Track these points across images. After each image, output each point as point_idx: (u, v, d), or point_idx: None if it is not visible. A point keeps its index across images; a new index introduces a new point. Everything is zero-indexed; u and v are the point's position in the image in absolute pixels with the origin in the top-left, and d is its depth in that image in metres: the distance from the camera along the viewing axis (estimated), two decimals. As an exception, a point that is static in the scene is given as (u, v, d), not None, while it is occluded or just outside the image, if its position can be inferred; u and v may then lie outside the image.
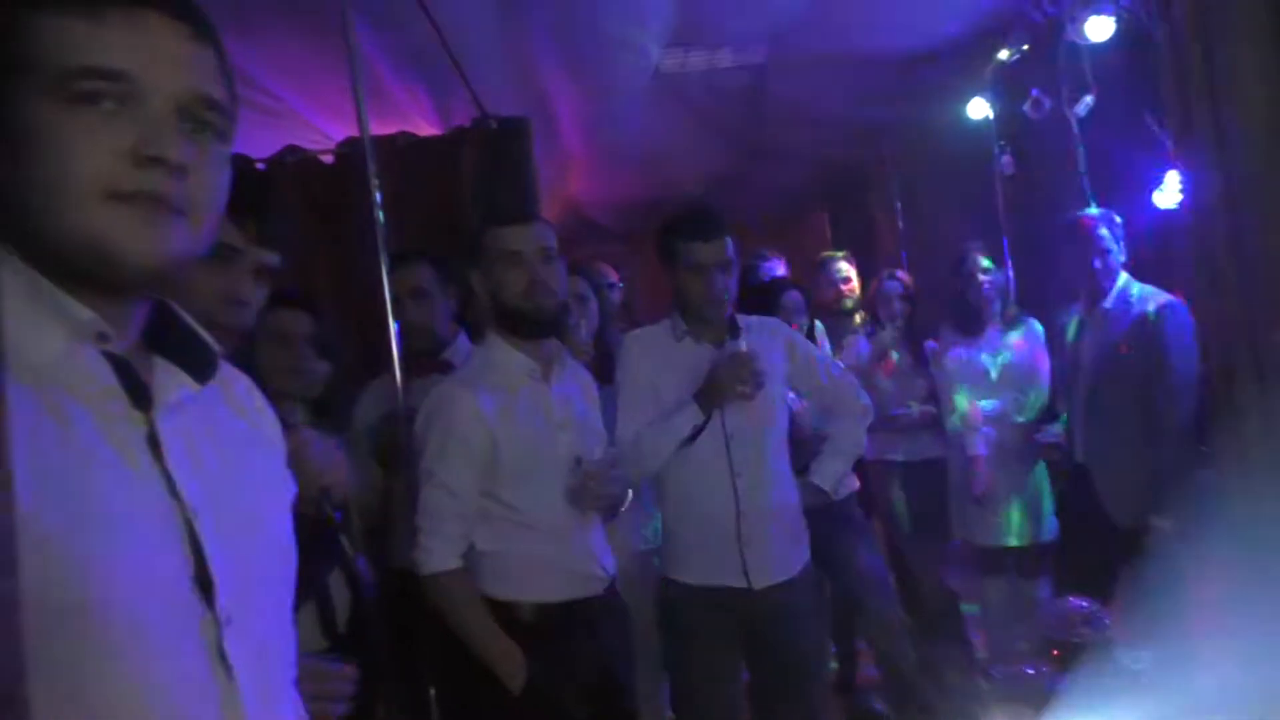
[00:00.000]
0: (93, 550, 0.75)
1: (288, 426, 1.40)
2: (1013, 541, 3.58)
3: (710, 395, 2.45)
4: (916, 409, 3.87)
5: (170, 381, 0.87)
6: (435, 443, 2.10)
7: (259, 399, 1.04)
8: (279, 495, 1.00)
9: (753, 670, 2.61)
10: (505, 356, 2.18)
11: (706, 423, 2.46)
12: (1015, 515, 3.56)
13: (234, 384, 1.00)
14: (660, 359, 2.57)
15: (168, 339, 0.90)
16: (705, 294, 2.49)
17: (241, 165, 3.87)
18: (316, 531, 1.41)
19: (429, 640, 2.16)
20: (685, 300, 2.55)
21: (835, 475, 2.78)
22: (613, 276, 3.89)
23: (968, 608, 3.94)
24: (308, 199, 3.86)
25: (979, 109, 4.50)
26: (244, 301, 1.37)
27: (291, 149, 3.91)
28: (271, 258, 1.42)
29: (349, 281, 3.68)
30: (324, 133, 4.41)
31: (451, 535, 2.08)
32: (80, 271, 0.80)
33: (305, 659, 1.39)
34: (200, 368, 0.91)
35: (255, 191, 1.41)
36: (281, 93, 4.16)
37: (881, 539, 3.89)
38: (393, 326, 2.50)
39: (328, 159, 3.91)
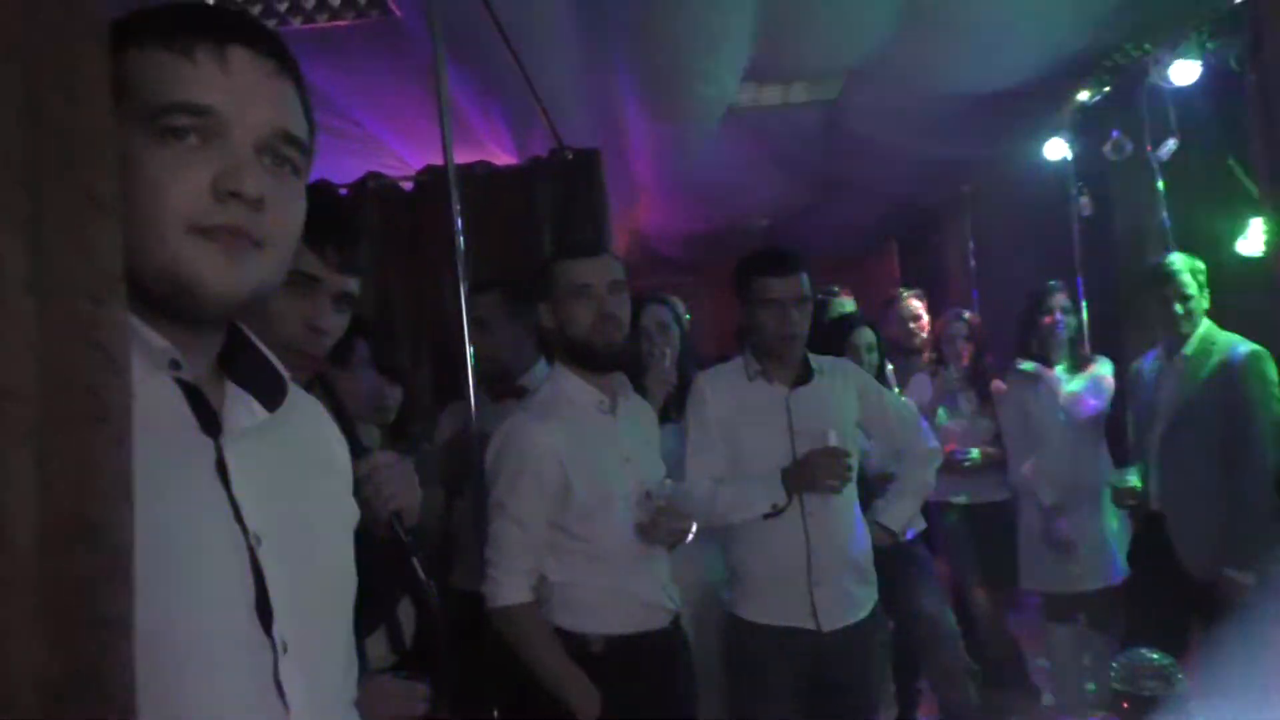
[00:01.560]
0: (158, 573, 0.74)
1: (362, 451, 1.44)
2: (1082, 587, 3.51)
3: (798, 481, 2.44)
4: (978, 454, 3.81)
5: (240, 408, 0.88)
6: (506, 476, 2.12)
7: (329, 425, 1.06)
8: (343, 522, 1.01)
9: (813, 711, 2.57)
10: (574, 388, 2.20)
11: (788, 506, 2.46)
12: (1085, 561, 3.49)
13: (305, 410, 1.01)
14: (732, 399, 2.57)
15: (240, 365, 0.91)
16: (780, 330, 2.49)
17: (324, 191, 3.99)
18: (389, 555, 1.43)
19: (495, 667, 2.18)
20: (759, 337, 2.56)
21: (903, 517, 2.76)
22: (682, 307, 3.92)
23: (1035, 659, 3.86)
24: (388, 225, 3.96)
25: (1057, 149, 4.45)
26: (324, 329, 1.38)
27: (374, 175, 4.01)
28: (351, 284, 1.43)
29: (426, 308, 3.77)
30: (404, 160, 4.53)
31: (521, 569, 2.09)
32: (160, 301, 0.81)
33: (376, 677, 1.42)
34: (271, 394, 0.92)
35: (337, 218, 1.43)
36: (365, 120, 4.30)
37: (945, 581, 3.83)
38: (469, 352, 2.54)
39: (408, 186, 4.00)
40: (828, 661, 2.50)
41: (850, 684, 2.53)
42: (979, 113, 4.39)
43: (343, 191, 3.97)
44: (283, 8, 3.28)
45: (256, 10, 3.27)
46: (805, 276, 2.51)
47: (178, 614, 0.77)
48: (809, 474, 2.42)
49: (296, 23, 3.39)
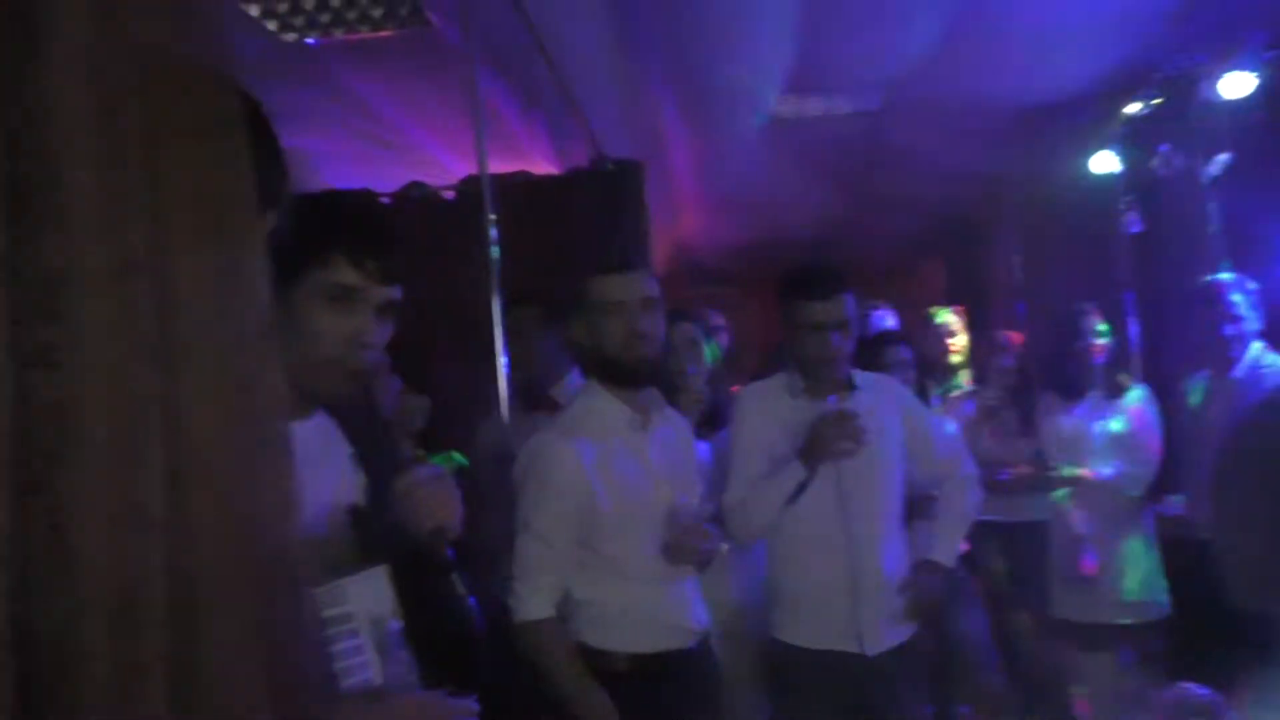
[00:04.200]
0: None
1: (402, 463, 1.44)
2: (1119, 620, 3.40)
3: (812, 451, 2.40)
4: (1013, 474, 3.72)
5: None
6: (532, 493, 2.11)
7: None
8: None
9: None
10: (605, 405, 2.18)
11: (809, 481, 2.42)
12: (1122, 592, 3.39)
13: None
14: (775, 418, 2.53)
15: None
16: (820, 354, 2.46)
17: (361, 199, 4.02)
18: (429, 569, 1.43)
19: (519, 683, 2.17)
20: (801, 358, 2.53)
21: (954, 550, 2.67)
22: (718, 320, 3.89)
23: (1074, 688, 3.76)
24: (429, 234, 3.98)
25: (1106, 163, 4.35)
26: (369, 343, 1.35)
27: (416, 184, 4.04)
28: (393, 293, 1.40)
29: (466, 317, 3.78)
30: (447, 169, 4.56)
31: (545, 586, 2.08)
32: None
33: (423, 695, 1.42)
34: None
35: (374, 227, 1.41)
36: (409, 129, 4.34)
37: (983, 602, 3.75)
38: (501, 364, 2.54)
39: (449, 195, 4.02)
40: (872, 686, 2.45)
41: (895, 709, 2.47)
42: (1025, 125, 4.32)
43: (385, 200, 4.01)
44: (325, 19, 3.32)
45: (299, 22, 3.31)
46: (847, 299, 2.47)
47: None
48: (820, 442, 2.38)
49: (339, 34, 3.44)
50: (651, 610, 2.13)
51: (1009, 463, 3.73)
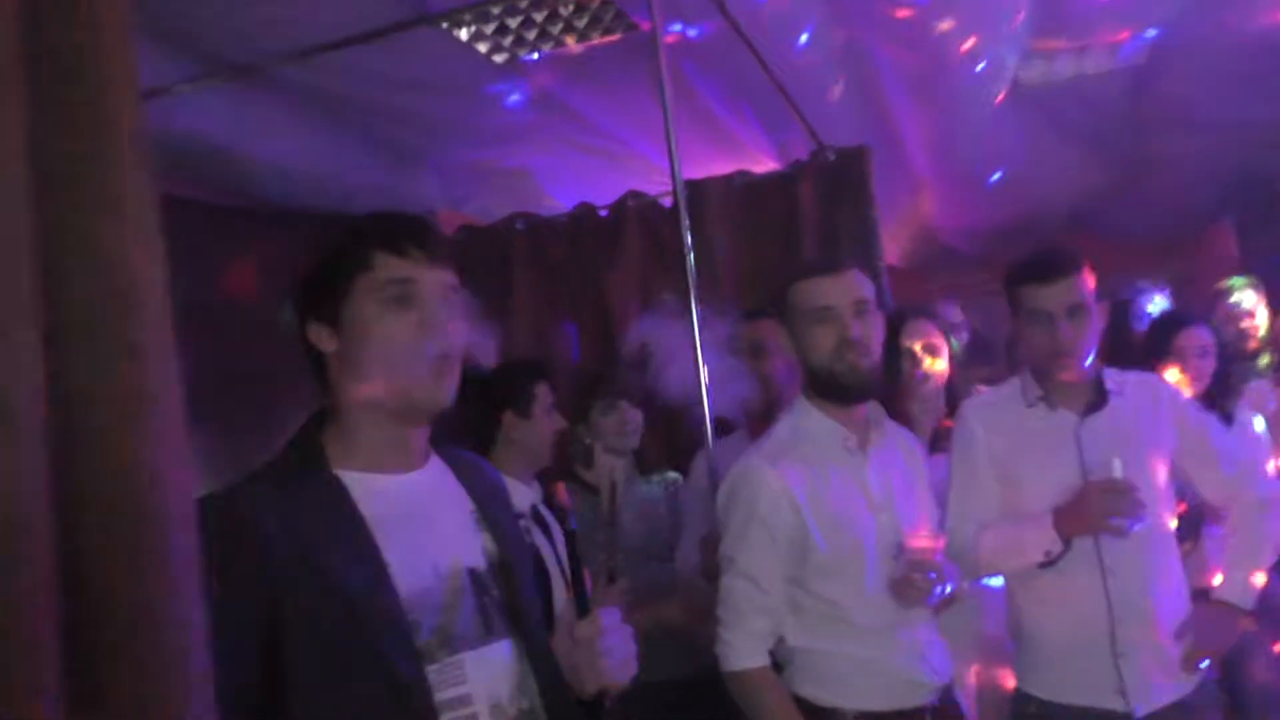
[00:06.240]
0: None
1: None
2: None
3: (1073, 523, 2.02)
4: None
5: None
6: (737, 525, 1.92)
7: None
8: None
9: None
10: (816, 425, 1.97)
11: (1064, 553, 2.05)
12: None
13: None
14: (1007, 431, 2.19)
15: None
16: (1049, 347, 2.10)
17: (584, 212, 4.02)
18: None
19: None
20: (1030, 356, 2.19)
21: (1251, 588, 2.18)
22: (958, 316, 3.54)
23: None
24: (650, 243, 3.92)
25: None
26: (441, 335, 1.27)
27: (633, 194, 3.99)
28: (448, 277, 1.28)
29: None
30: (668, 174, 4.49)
31: (755, 630, 1.89)
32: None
33: None
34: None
35: (407, 217, 1.30)
36: (627, 138, 4.30)
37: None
38: (704, 382, 2.38)
39: (667, 202, 3.93)
40: None
41: None
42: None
43: (603, 213, 3.99)
44: (531, 35, 3.32)
45: (507, 42, 3.33)
46: (1080, 279, 2.10)
47: None
48: (1084, 513, 1.99)
49: (547, 48, 3.43)
50: (880, 661, 1.87)
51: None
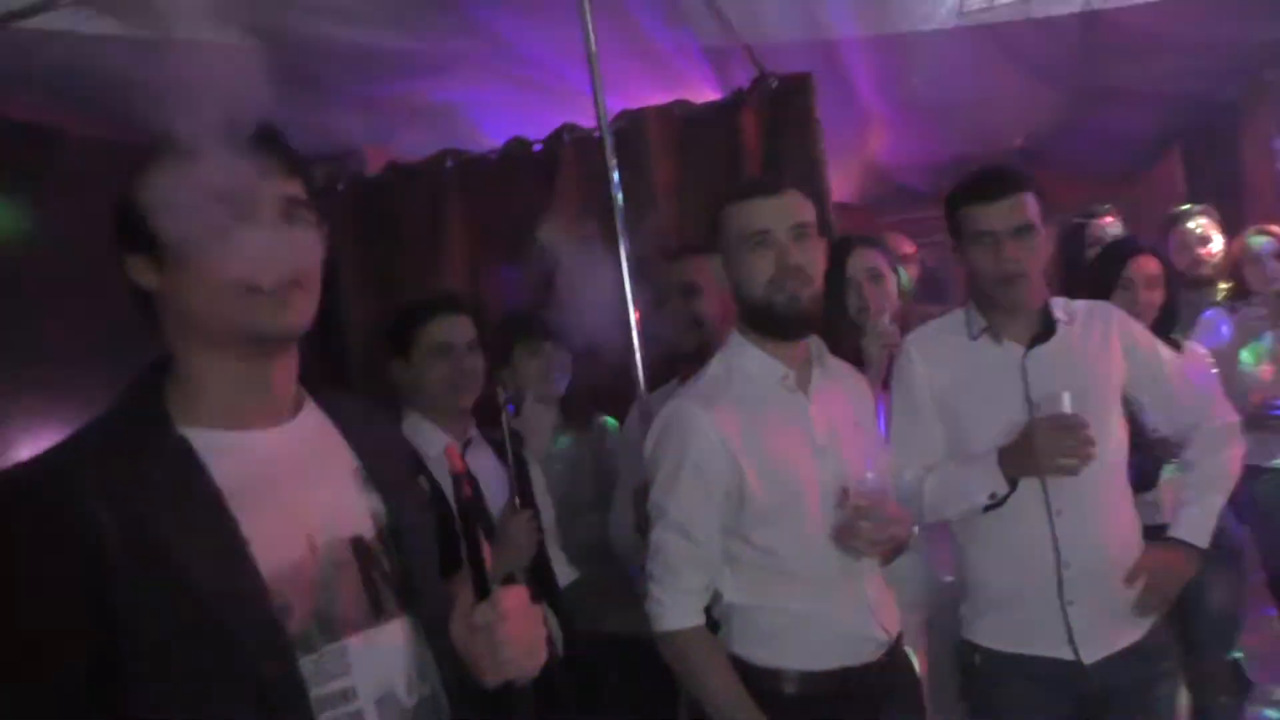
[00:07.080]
0: None
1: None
2: None
3: (1020, 463, 1.89)
4: None
5: None
6: (666, 472, 1.76)
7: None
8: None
9: None
10: (753, 362, 1.81)
11: (1010, 494, 1.93)
12: None
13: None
14: (950, 365, 2.06)
15: None
16: (995, 270, 1.96)
17: (517, 148, 3.83)
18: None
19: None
20: (975, 283, 2.04)
21: (1208, 525, 2.06)
22: (908, 247, 3.41)
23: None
24: (587, 177, 3.74)
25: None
26: (275, 254, 1.08)
27: (569, 126, 3.81)
28: (289, 187, 1.11)
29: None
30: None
31: (689, 587, 1.74)
32: None
33: None
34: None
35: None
36: (562, 68, 4.10)
37: (1259, 562, 3.14)
38: (634, 325, 2.22)
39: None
40: (1094, 700, 1.95)
41: None
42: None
43: (537, 147, 3.81)
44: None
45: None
46: (1026, 198, 1.95)
47: None
48: (1030, 452, 1.86)
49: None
50: (824, 616, 1.74)
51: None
